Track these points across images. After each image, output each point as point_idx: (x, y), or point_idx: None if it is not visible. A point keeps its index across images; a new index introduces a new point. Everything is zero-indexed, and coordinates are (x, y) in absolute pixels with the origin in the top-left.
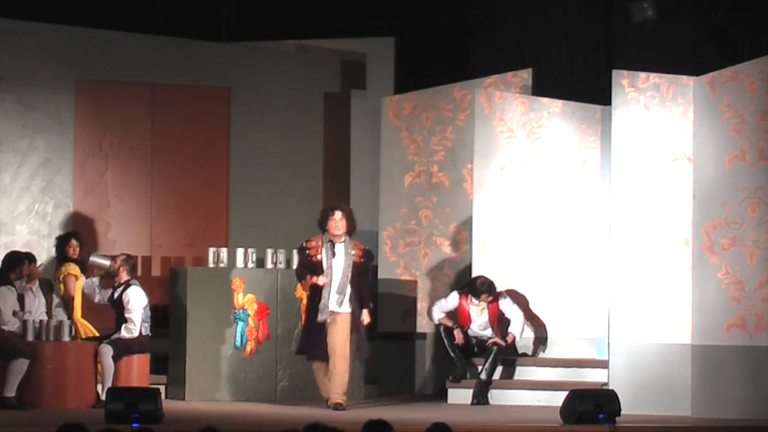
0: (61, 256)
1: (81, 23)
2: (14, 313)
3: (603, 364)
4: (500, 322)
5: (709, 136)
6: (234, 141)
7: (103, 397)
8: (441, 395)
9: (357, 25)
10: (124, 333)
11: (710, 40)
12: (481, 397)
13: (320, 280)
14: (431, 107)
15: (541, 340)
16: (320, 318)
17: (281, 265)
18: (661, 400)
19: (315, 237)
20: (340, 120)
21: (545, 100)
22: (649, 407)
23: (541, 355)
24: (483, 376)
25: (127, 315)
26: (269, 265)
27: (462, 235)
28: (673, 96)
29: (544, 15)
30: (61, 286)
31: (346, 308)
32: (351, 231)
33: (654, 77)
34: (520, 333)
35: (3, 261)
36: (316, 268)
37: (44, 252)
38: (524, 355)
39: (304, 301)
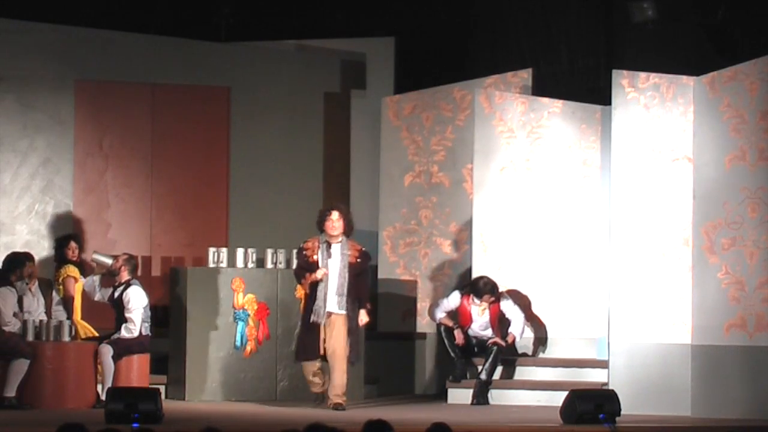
0: (60, 258)
1: (81, 23)
2: (14, 314)
3: (603, 364)
4: (501, 323)
5: (709, 136)
6: (234, 141)
7: (103, 397)
8: (441, 395)
9: (357, 25)
10: (124, 333)
11: (710, 40)
12: (481, 397)
13: (319, 273)
14: (431, 107)
15: (541, 340)
16: (315, 319)
17: (281, 265)
18: (661, 400)
19: (312, 238)
20: (340, 120)
21: (545, 100)
22: (649, 407)
23: (541, 355)
24: (483, 376)
25: (127, 315)
26: (269, 265)
27: (462, 235)
28: (673, 96)
29: (544, 15)
30: (61, 288)
31: (344, 309)
32: (348, 231)
33: (654, 77)
34: (521, 334)
35: (3, 262)
36: (313, 269)
37: (44, 252)
38: (524, 355)
39: (304, 301)
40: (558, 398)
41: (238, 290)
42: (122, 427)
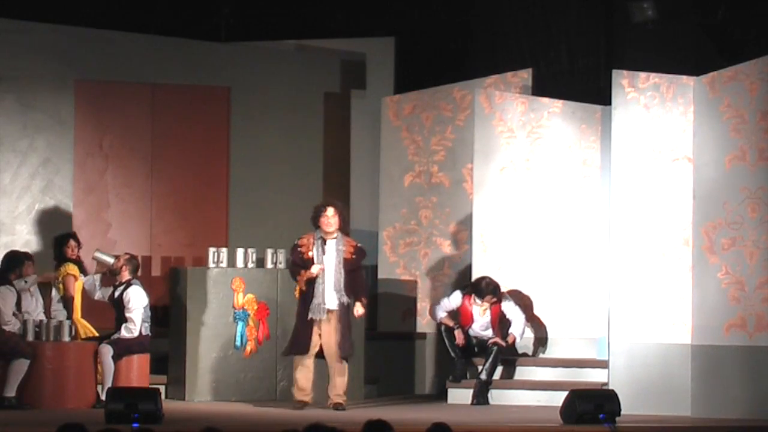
0: (60, 256)
1: (81, 23)
2: (14, 314)
3: (603, 364)
4: (501, 323)
5: (709, 136)
6: (234, 141)
7: (103, 397)
8: (441, 395)
9: (357, 25)
10: (124, 333)
11: (710, 40)
12: (481, 397)
13: (314, 269)
14: (431, 107)
15: (541, 340)
16: (315, 316)
17: (281, 265)
18: (661, 400)
19: (307, 234)
20: (340, 120)
21: (545, 100)
22: (649, 407)
23: (541, 355)
24: (483, 376)
25: (127, 314)
26: (269, 265)
27: (462, 235)
28: (673, 96)
29: (544, 15)
30: (61, 287)
31: (340, 305)
32: (343, 228)
33: (654, 77)
34: (521, 334)
35: (2, 261)
36: (308, 266)
37: (44, 252)
38: (524, 355)
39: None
40: (558, 398)
41: (238, 290)
42: (122, 427)
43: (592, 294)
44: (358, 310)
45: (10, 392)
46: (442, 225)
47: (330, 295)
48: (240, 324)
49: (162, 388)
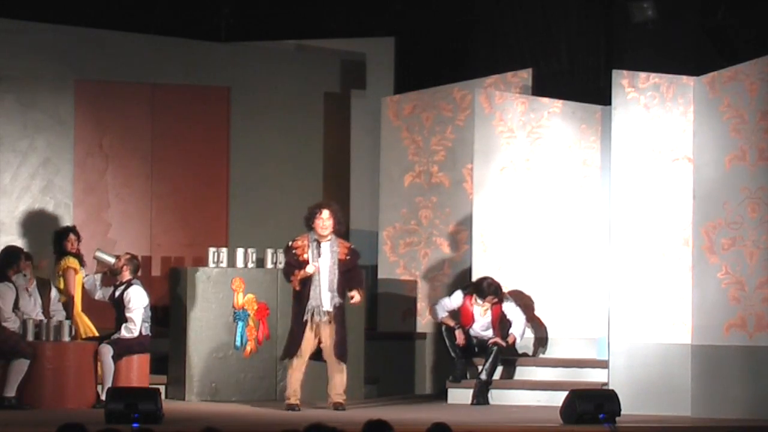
0: (60, 250)
1: (81, 23)
2: (13, 311)
3: (603, 364)
4: (501, 324)
5: (709, 136)
6: (234, 141)
7: (103, 397)
8: (441, 395)
9: (357, 25)
10: (124, 333)
11: (710, 40)
12: (481, 397)
13: (309, 268)
14: (431, 107)
15: (541, 340)
16: (315, 319)
17: (281, 265)
18: (661, 400)
19: (301, 236)
20: (340, 120)
21: (545, 100)
22: (649, 407)
23: (541, 355)
24: (483, 376)
25: (127, 314)
26: (269, 265)
27: (462, 235)
28: (673, 96)
29: (544, 15)
30: (61, 280)
31: (335, 306)
32: (337, 230)
33: (654, 77)
34: (521, 335)
35: (0, 257)
36: (303, 268)
37: (44, 252)
38: (524, 355)
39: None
40: (558, 398)
41: (238, 290)
42: (122, 427)
43: (592, 294)
44: (355, 296)
45: (10, 392)
46: (442, 225)
47: (326, 296)
48: (240, 324)
49: (162, 388)
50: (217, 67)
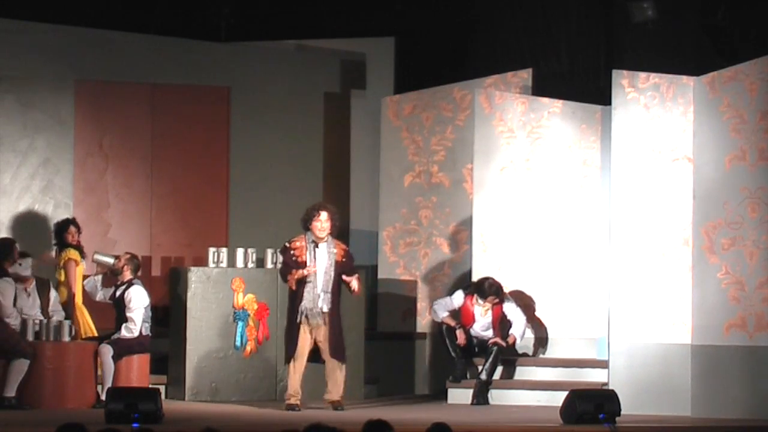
0: (61, 242)
1: (81, 23)
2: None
3: (603, 364)
4: (502, 324)
5: (709, 136)
6: (234, 141)
7: (103, 397)
8: (441, 395)
9: (357, 25)
10: (124, 332)
11: (710, 40)
12: (481, 397)
13: (308, 269)
14: (431, 107)
15: (541, 340)
16: (311, 321)
17: (281, 266)
18: (661, 400)
19: (298, 237)
20: (340, 120)
21: (545, 100)
22: (649, 407)
23: (541, 355)
24: (483, 376)
25: (128, 314)
26: (269, 265)
27: (462, 235)
28: (673, 96)
29: (544, 15)
30: (62, 272)
31: (331, 307)
32: (334, 232)
33: (654, 77)
34: (521, 336)
35: None
36: (301, 269)
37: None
38: (524, 355)
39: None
40: (558, 398)
41: (238, 290)
42: (122, 427)
43: (592, 294)
44: (353, 282)
45: (10, 392)
46: (442, 225)
47: (319, 297)
48: (240, 324)
49: (162, 388)
50: (217, 67)
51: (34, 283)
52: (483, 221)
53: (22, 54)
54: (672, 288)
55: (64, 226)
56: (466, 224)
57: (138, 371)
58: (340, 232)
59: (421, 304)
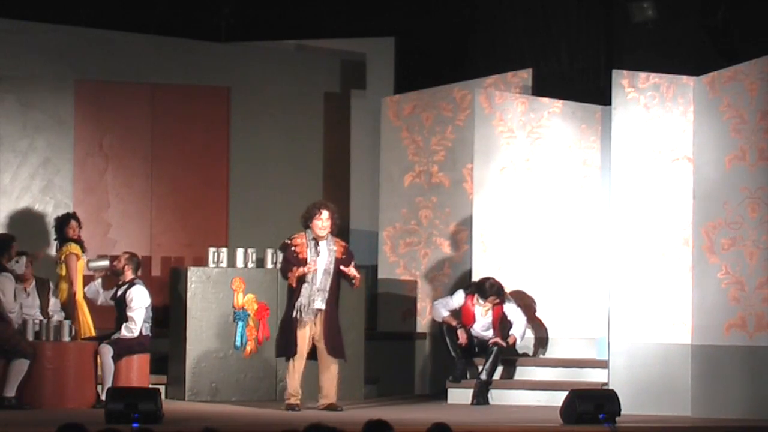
0: (62, 237)
1: (81, 23)
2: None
3: (603, 364)
4: (502, 324)
5: (709, 136)
6: (234, 141)
7: (103, 397)
8: (441, 395)
9: (357, 25)
10: (124, 332)
11: (710, 40)
12: (481, 397)
13: (309, 266)
14: (431, 107)
15: (541, 340)
16: (305, 317)
17: (282, 263)
18: (661, 400)
19: (299, 234)
20: (340, 120)
21: (545, 100)
22: (649, 407)
23: (541, 355)
24: (483, 376)
25: (129, 313)
26: (269, 265)
27: (462, 235)
28: (673, 96)
29: (544, 15)
30: (63, 267)
31: (329, 305)
32: (334, 230)
33: (654, 77)
34: (522, 336)
35: None
36: (302, 266)
37: (44, 251)
38: (524, 355)
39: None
40: (558, 398)
41: (238, 290)
42: (122, 427)
43: (592, 294)
44: (351, 269)
45: (10, 392)
46: (442, 225)
47: (316, 295)
48: (240, 324)
49: (162, 388)
50: (216, 67)
51: (33, 283)
52: (483, 221)
53: (22, 54)
54: (672, 288)
55: (65, 220)
56: (466, 224)
57: (138, 371)
58: (340, 232)
59: (421, 304)
